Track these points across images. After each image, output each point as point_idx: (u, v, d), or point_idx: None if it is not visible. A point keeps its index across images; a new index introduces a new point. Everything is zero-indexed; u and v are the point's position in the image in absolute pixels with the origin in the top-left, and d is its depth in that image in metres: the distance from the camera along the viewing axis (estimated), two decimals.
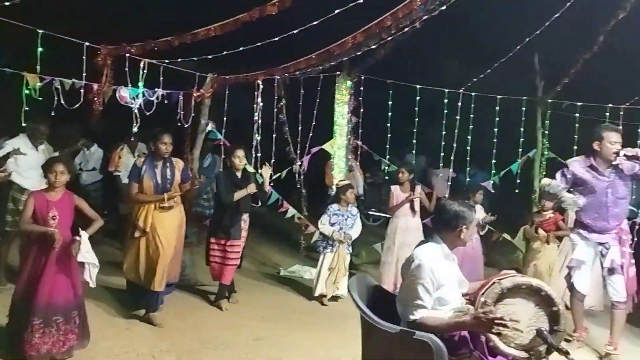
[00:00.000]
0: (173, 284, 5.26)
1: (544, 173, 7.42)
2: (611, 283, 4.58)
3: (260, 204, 6.10)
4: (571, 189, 4.71)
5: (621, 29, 5.97)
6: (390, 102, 7.07)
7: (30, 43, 4.34)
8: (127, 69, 4.94)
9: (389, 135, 7.18)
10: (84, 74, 4.65)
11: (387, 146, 7.34)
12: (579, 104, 6.95)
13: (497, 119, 7.09)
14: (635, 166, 4.43)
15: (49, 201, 3.94)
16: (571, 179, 4.67)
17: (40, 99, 4.59)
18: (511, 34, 6.42)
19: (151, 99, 5.31)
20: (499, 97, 7.08)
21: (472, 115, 7.00)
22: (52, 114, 4.68)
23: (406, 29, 4.64)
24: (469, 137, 7.12)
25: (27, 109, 4.57)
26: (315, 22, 4.19)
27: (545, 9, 5.65)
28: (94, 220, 4.14)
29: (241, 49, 4.83)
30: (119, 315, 5.00)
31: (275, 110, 6.87)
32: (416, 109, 7.00)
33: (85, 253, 3.93)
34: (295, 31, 4.38)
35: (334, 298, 5.99)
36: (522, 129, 7.21)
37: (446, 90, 7.04)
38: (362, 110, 7.11)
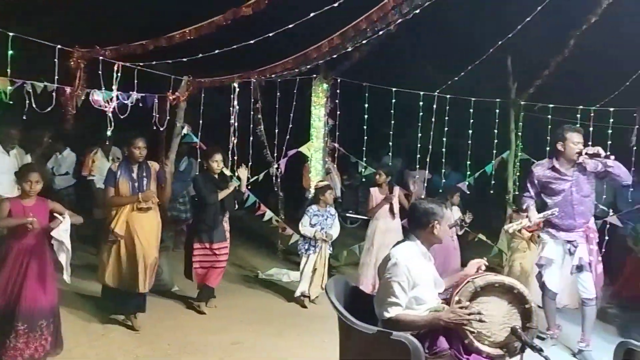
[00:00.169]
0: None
1: (518, 174, 7.55)
2: (580, 281, 4.68)
3: (237, 206, 6.08)
4: (541, 193, 4.83)
5: (592, 32, 6.11)
6: (366, 105, 7.12)
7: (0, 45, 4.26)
8: (100, 72, 4.88)
9: (365, 137, 7.23)
10: (56, 77, 4.58)
11: (364, 148, 7.38)
12: (551, 105, 7.09)
13: (472, 121, 7.19)
14: (598, 164, 4.56)
15: (24, 207, 3.92)
16: (538, 183, 4.80)
17: (11, 102, 4.51)
18: (485, 37, 6.52)
19: (126, 102, 5.25)
20: (473, 99, 7.18)
21: (447, 118, 7.09)
22: (24, 117, 4.60)
23: (381, 32, 4.68)
24: (444, 139, 7.21)
25: None
26: (290, 25, 4.20)
27: (518, 12, 5.76)
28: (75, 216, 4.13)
29: (217, 51, 4.81)
30: (94, 321, 4.94)
31: (252, 113, 6.85)
32: (392, 111, 7.06)
33: (62, 232, 3.90)
34: (271, 34, 4.38)
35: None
36: (496, 131, 7.32)
37: (421, 93, 7.11)
38: (338, 112, 7.14)
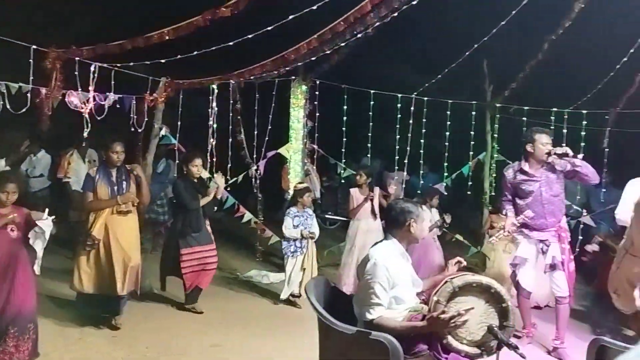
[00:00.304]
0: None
1: (494, 175, 7.66)
2: (554, 279, 4.78)
3: (216, 209, 6.06)
4: (514, 196, 4.95)
5: (566, 37, 6.24)
6: (345, 107, 7.16)
7: None
8: (76, 73, 4.83)
9: (344, 139, 7.27)
10: (31, 78, 4.51)
11: (343, 150, 7.42)
12: (526, 108, 7.22)
13: (449, 123, 7.28)
14: (567, 164, 4.69)
15: (1, 214, 3.89)
16: (510, 185, 4.94)
17: None
18: (461, 41, 6.62)
19: (102, 103, 5.19)
20: (450, 101, 7.28)
21: (424, 120, 7.16)
22: None
23: (360, 35, 4.72)
24: (422, 140, 7.29)
25: None
26: (269, 28, 4.21)
27: (493, 16, 5.86)
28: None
29: (195, 53, 4.79)
30: (70, 325, 4.86)
31: (231, 114, 6.83)
32: (370, 113, 7.11)
33: (44, 220, 3.95)
34: (250, 35, 4.38)
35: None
36: (472, 133, 7.42)
37: (399, 95, 7.18)
38: (317, 114, 7.17)
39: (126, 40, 4.50)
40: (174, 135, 6.48)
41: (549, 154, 4.64)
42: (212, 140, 6.36)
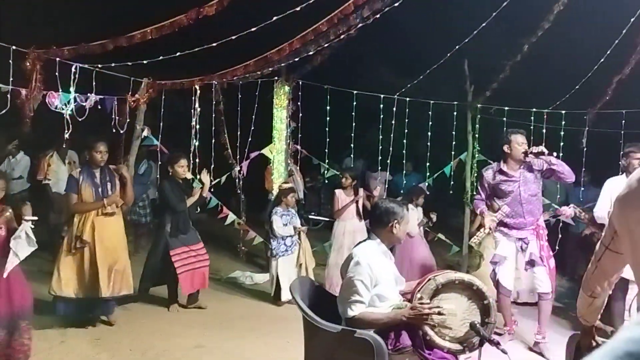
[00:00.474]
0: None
1: (476, 174, 7.74)
2: (535, 275, 4.88)
3: (199, 210, 6.06)
4: (492, 196, 5.03)
5: (545, 38, 6.34)
6: (328, 107, 7.18)
7: None
8: (57, 74, 4.77)
9: (327, 139, 7.29)
10: (11, 79, 4.45)
11: (326, 150, 7.44)
12: (506, 108, 7.31)
13: (430, 123, 7.35)
14: (543, 164, 4.81)
15: None
16: (488, 186, 5.05)
17: None
18: (442, 42, 6.68)
19: (84, 104, 5.14)
20: (431, 102, 7.34)
21: (407, 120, 7.22)
22: None
23: (342, 37, 4.74)
24: (405, 140, 7.34)
25: None
26: (253, 29, 4.21)
27: (474, 18, 5.94)
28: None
29: (178, 54, 4.77)
30: (52, 327, 4.82)
31: (214, 115, 6.81)
32: (353, 113, 7.14)
33: (28, 217, 3.95)
34: (233, 37, 4.38)
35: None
36: (454, 133, 7.50)
37: (381, 96, 7.23)
38: (300, 115, 7.17)
39: (108, 40, 4.46)
40: (156, 137, 6.44)
41: (525, 153, 4.76)
42: (194, 141, 6.34)
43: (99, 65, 5.09)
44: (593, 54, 6.37)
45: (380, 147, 7.37)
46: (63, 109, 4.99)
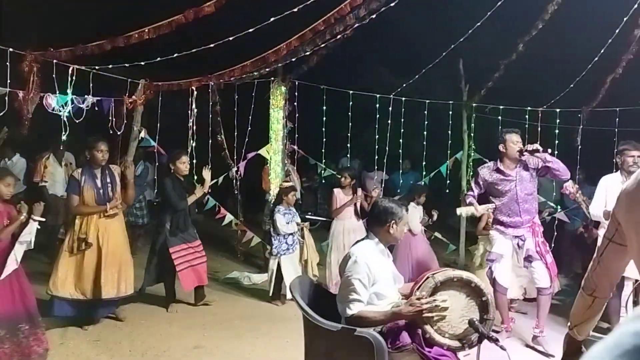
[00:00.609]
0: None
1: (471, 173, 7.78)
2: (533, 271, 4.92)
3: (197, 210, 6.09)
4: (489, 195, 5.08)
5: (539, 37, 6.38)
6: (324, 107, 7.21)
7: None
8: (54, 76, 4.77)
9: (324, 139, 7.32)
10: (8, 81, 4.45)
11: (323, 150, 7.47)
12: (501, 107, 7.36)
13: (426, 122, 7.39)
14: (539, 162, 4.85)
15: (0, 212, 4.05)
16: (483, 184, 5.09)
17: None
18: (437, 42, 6.72)
19: (81, 106, 5.15)
20: (427, 101, 7.38)
21: (402, 120, 7.25)
22: None
23: (339, 37, 4.76)
24: (401, 140, 7.37)
25: None
26: (250, 30, 4.22)
27: (469, 18, 5.98)
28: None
29: (175, 55, 4.78)
30: (51, 329, 4.80)
31: (210, 116, 6.82)
32: (349, 113, 7.17)
33: (37, 217, 4.12)
34: (230, 38, 4.39)
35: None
36: (449, 132, 7.54)
37: (377, 96, 7.26)
38: (297, 115, 7.20)
39: (106, 41, 4.45)
40: (153, 138, 6.44)
41: (520, 151, 4.81)
42: (192, 142, 6.35)
43: (96, 67, 5.09)
44: (587, 52, 6.42)
45: (377, 147, 7.40)
46: (60, 111, 4.99)
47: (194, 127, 6.42)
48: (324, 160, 7.72)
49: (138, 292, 5.64)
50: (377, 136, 7.33)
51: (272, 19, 4.09)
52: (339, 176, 6.65)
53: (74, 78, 4.90)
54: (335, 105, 7.23)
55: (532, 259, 4.88)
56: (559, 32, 6.71)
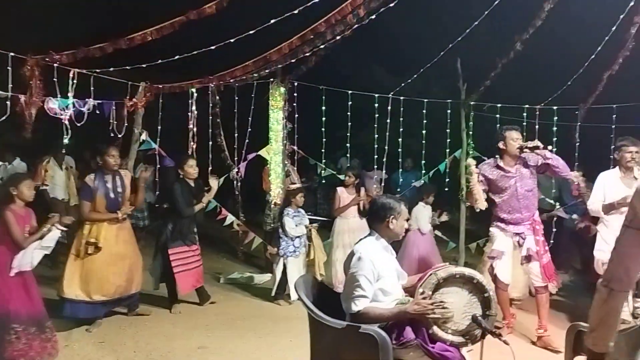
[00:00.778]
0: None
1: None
2: (530, 270, 4.96)
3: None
4: (488, 192, 5.10)
5: (537, 36, 6.43)
6: (323, 108, 7.24)
7: None
8: (55, 80, 4.79)
9: (324, 139, 7.35)
10: (10, 86, 4.47)
11: (323, 150, 7.50)
12: (499, 105, 7.40)
13: (425, 121, 7.42)
14: (538, 159, 4.88)
15: (18, 214, 4.15)
16: (485, 180, 5.10)
17: None
18: (435, 41, 6.76)
19: (82, 109, 5.17)
20: (425, 100, 7.42)
21: (401, 119, 7.29)
22: None
23: (338, 37, 4.80)
24: (400, 139, 7.41)
25: None
26: (252, 32, 4.25)
27: (466, 17, 6.02)
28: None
29: (177, 57, 4.81)
30: (56, 331, 4.82)
31: (210, 117, 6.84)
32: (348, 113, 7.21)
33: (61, 227, 4.29)
34: (232, 40, 4.42)
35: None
36: (448, 130, 7.57)
37: (376, 95, 7.29)
38: (296, 115, 7.23)
39: (107, 43, 4.46)
40: (154, 140, 6.46)
41: (520, 148, 4.83)
42: (192, 143, 6.38)
43: (97, 70, 5.11)
44: (584, 50, 6.46)
45: (376, 146, 7.44)
46: (62, 115, 5.02)
47: (195, 129, 6.45)
48: (323, 161, 7.75)
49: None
50: (376, 135, 7.37)
51: (272, 21, 4.13)
52: (341, 176, 6.70)
53: (75, 81, 4.92)
54: (334, 105, 7.26)
55: (531, 259, 4.91)
56: (555, 29, 6.75)
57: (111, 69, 5.08)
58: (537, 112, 7.20)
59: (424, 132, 7.47)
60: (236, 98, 6.82)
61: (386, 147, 7.41)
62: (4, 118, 4.46)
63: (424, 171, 7.87)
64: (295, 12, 3.95)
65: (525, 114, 7.25)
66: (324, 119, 7.26)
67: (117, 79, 5.51)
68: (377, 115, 7.28)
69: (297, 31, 4.63)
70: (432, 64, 6.76)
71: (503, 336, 2.99)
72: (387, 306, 3.11)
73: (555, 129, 7.03)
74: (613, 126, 6.86)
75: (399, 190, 7.89)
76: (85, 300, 4.92)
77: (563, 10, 6.13)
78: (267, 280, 6.88)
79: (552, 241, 6.49)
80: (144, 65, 4.97)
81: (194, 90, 6.22)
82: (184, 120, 6.42)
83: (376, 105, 7.26)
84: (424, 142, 7.53)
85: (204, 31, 4.68)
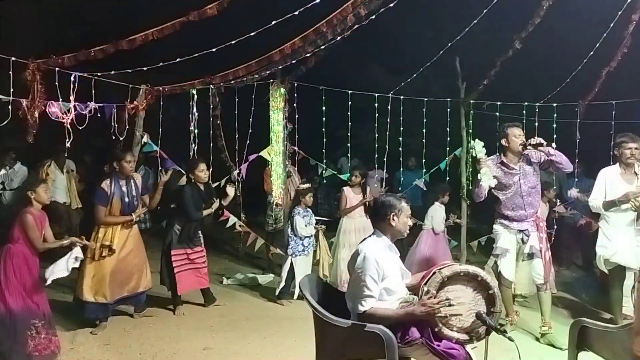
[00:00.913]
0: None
1: (470, 169, 7.83)
2: (533, 267, 4.99)
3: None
4: (492, 189, 5.10)
5: (535, 33, 6.45)
6: (323, 108, 7.25)
7: None
8: (57, 83, 4.80)
9: (324, 140, 7.37)
10: (11, 90, 4.47)
11: (323, 151, 7.52)
12: (499, 103, 7.42)
13: (425, 120, 7.44)
14: (542, 155, 4.90)
15: (40, 219, 4.30)
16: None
17: None
18: (434, 40, 6.78)
19: (83, 112, 5.18)
20: (425, 99, 7.44)
21: (401, 118, 7.30)
22: None
23: (339, 38, 4.81)
24: (400, 138, 7.43)
25: None
26: (252, 34, 4.27)
27: (465, 16, 6.03)
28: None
29: (178, 60, 4.82)
30: (61, 335, 4.82)
31: (211, 119, 6.86)
32: (349, 113, 7.22)
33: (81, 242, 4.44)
34: (233, 42, 4.43)
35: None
36: (448, 129, 7.59)
37: (376, 95, 7.31)
38: (297, 116, 7.24)
39: (109, 44, 4.46)
40: (155, 142, 6.47)
41: (523, 145, 4.84)
42: (193, 145, 6.40)
43: (98, 74, 5.12)
44: (582, 47, 6.48)
45: (377, 146, 7.46)
46: (64, 118, 5.02)
47: (196, 131, 6.46)
48: (324, 161, 7.77)
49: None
50: (376, 135, 7.39)
51: (273, 23, 4.14)
52: (341, 176, 6.72)
53: (76, 85, 4.92)
54: (334, 105, 7.28)
55: (534, 256, 4.94)
56: (554, 27, 6.77)
57: (112, 72, 5.08)
58: (537, 110, 7.23)
59: (424, 131, 7.48)
60: (236, 99, 6.83)
61: (386, 147, 7.42)
62: (5, 122, 4.46)
63: (424, 170, 7.88)
64: (296, 13, 3.96)
65: (524, 112, 7.28)
66: (324, 119, 7.27)
67: (118, 82, 5.52)
68: (377, 114, 7.30)
69: (297, 32, 4.64)
70: (432, 63, 6.78)
71: (508, 332, 3.01)
72: (392, 305, 3.13)
73: (555, 126, 7.05)
74: (612, 122, 6.88)
75: (400, 189, 7.90)
76: (101, 302, 5.00)
77: (561, 7, 6.15)
78: (270, 280, 6.90)
79: (553, 237, 6.50)
80: (145, 68, 4.98)
81: (194, 92, 6.23)
82: (185, 122, 6.43)
83: (376, 104, 7.28)
84: (424, 141, 7.55)
85: (204, 32, 4.69)
